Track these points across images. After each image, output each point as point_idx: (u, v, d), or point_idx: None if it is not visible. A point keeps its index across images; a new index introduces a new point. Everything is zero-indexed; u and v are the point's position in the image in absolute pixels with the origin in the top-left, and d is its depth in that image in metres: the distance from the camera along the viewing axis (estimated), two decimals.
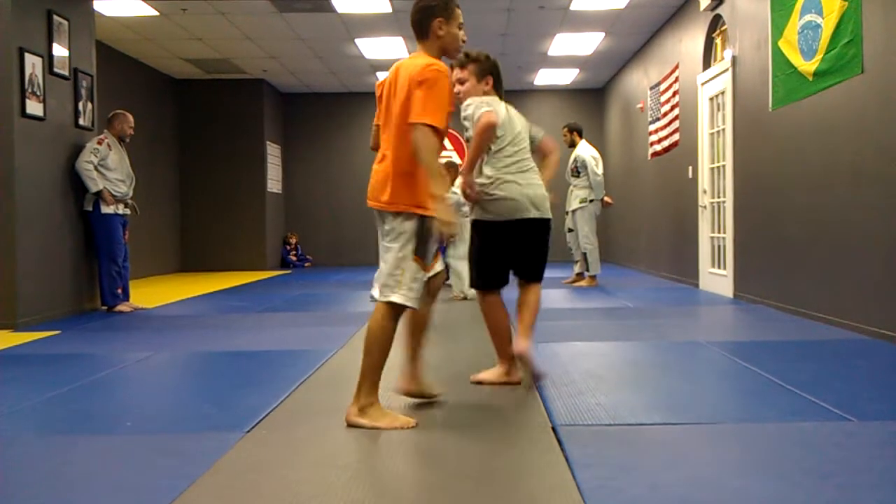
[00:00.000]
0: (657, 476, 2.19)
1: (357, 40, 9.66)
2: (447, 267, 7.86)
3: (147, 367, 4.05)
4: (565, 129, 8.45)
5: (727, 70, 6.87)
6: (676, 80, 8.41)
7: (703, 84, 7.59)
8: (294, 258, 12.92)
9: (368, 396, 2.76)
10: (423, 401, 3.09)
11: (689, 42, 8.05)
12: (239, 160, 12.16)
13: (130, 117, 6.66)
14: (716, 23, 7.35)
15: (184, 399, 3.35)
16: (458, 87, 3.49)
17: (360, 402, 2.75)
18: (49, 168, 6.04)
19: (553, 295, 7.20)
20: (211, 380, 3.72)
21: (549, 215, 3.50)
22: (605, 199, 8.29)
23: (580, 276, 8.36)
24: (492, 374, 3.48)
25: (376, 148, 2.99)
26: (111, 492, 2.12)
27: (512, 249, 3.48)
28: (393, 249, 2.78)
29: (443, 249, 8.24)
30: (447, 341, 4.62)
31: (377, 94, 2.98)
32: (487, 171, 3.40)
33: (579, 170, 8.11)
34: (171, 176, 11.83)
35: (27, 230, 5.73)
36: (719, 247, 7.27)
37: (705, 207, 7.56)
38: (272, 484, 2.16)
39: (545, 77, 12.15)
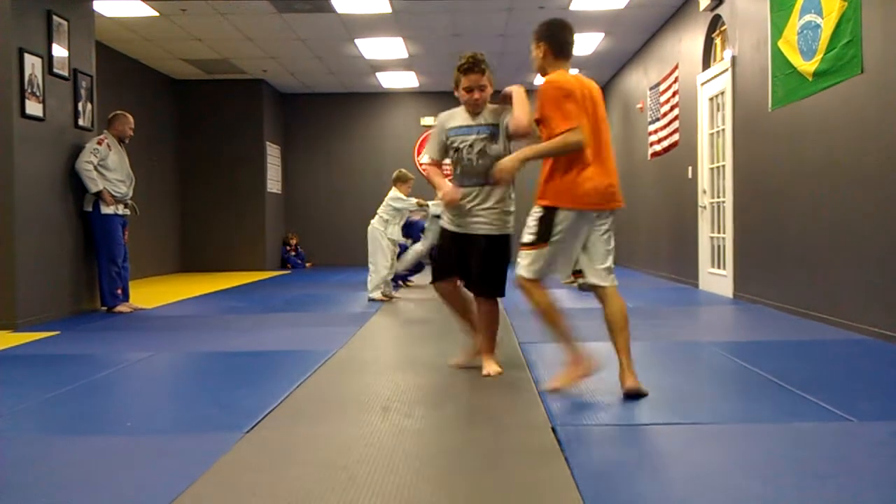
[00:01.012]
0: (656, 476, 2.19)
1: (357, 41, 9.66)
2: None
3: (147, 368, 4.05)
4: None
5: (727, 70, 6.88)
6: (676, 80, 8.42)
7: (702, 84, 7.59)
8: (294, 255, 12.92)
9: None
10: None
11: (688, 42, 8.05)
12: (238, 160, 12.16)
13: (131, 118, 6.66)
14: (715, 23, 7.36)
15: (183, 399, 3.35)
16: (477, 95, 3.54)
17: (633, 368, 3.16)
18: (48, 168, 6.04)
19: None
20: (210, 380, 3.72)
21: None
22: None
23: (578, 273, 8.36)
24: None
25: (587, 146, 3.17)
26: (111, 492, 2.12)
27: None
28: (611, 240, 3.28)
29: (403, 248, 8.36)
30: (439, 341, 4.61)
31: (578, 94, 3.12)
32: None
33: None
34: (171, 176, 11.83)
35: (26, 231, 5.73)
36: (719, 247, 7.27)
37: (705, 207, 7.56)
38: (272, 484, 2.16)
39: None
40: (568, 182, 3.13)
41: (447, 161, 3.70)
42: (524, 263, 3.26)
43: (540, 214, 3.19)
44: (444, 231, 3.74)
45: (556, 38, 3.25)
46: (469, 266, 3.63)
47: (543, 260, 3.23)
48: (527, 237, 3.24)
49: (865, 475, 2.15)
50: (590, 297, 3.44)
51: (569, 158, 3.13)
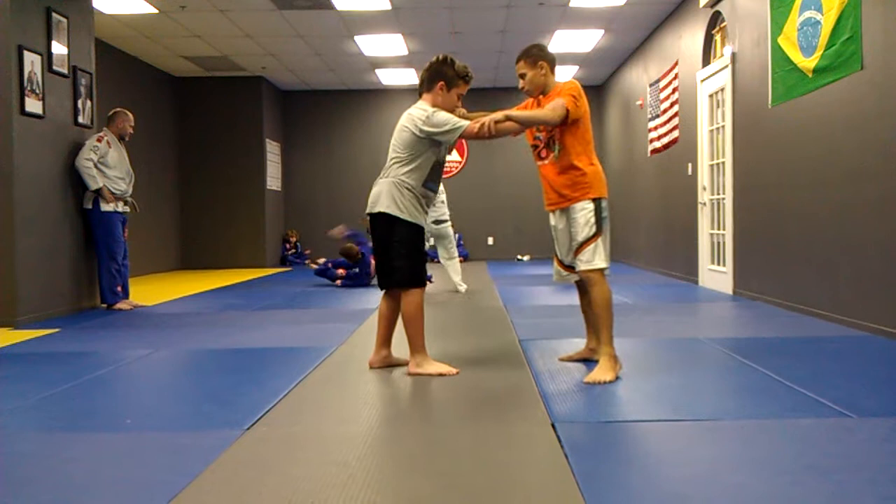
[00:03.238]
0: (656, 472, 2.19)
1: (356, 37, 9.66)
2: None
3: (146, 365, 4.05)
4: None
5: (727, 67, 6.87)
6: (676, 76, 8.41)
7: (702, 81, 7.58)
8: (293, 253, 12.91)
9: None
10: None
11: (688, 39, 8.05)
12: (238, 158, 12.16)
13: (131, 116, 6.66)
14: (715, 19, 7.35)
15: (183, 396, 3.35)
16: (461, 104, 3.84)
17: (612, 350, 3.39)
18: (48, 166, 6.04)
19: (550, 291, 7.20)
20: (210, 377, 3.72)
21: (381, 209, 3.56)
22: None
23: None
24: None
25: None
26: (111, 489, 2.12)
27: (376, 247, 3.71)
28: None
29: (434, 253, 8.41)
30: (438, 337, 4.62)
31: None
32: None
33: None
34: (171, 174, 11.83)
35: (27, 228, 5.73)
36: (719, 243, 7.27)
37: (705, 204, 7.56)
38: (272, 481, 2.17)
39: None
40: (599, 174, 3.46)
41: (407, 159, 3.55)
42: (602, 255, 3.41)
43: (592, 206, 3.40)
44: (422, 231, 3.62)
45: (552, 57, 3.62)
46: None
47: (607, 246, 3.46)
48: (590, 231, 3.39)
49: (865, 471, 2.16)
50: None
51: (590, 154, 3.44)
